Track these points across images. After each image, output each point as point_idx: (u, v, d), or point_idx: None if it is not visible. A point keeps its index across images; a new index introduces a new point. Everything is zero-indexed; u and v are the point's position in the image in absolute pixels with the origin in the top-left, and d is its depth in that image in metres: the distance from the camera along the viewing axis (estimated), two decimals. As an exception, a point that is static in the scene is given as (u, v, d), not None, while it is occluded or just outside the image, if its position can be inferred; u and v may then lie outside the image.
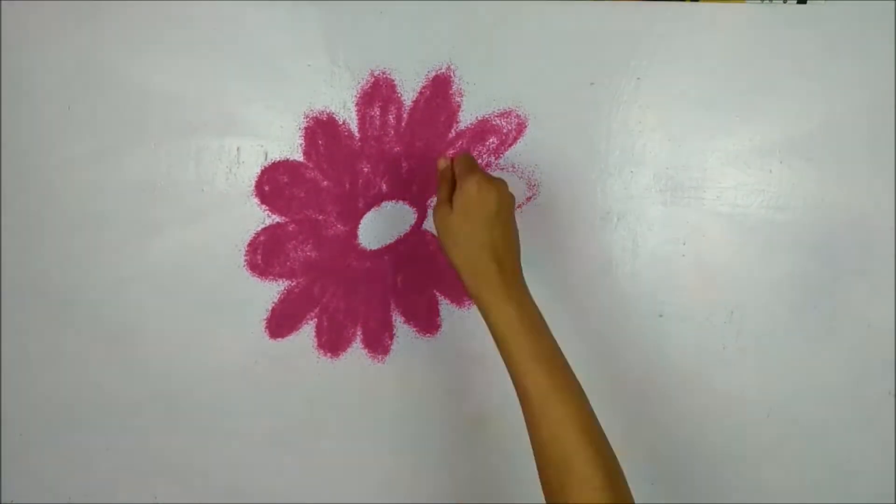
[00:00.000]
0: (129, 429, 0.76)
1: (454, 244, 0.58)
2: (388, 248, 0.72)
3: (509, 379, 0.74)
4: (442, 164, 0.63)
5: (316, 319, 0.73)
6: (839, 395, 0.74)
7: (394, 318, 0.74)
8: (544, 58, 0.67)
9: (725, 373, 0.73)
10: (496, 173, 0.70)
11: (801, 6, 0.65)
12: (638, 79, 0.67)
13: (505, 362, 0.56)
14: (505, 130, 0.69)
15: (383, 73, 0.68)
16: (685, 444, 0.76)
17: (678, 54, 0.67)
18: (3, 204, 0.71)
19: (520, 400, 0.55)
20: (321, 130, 0.69)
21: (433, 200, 0.71)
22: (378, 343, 0.74)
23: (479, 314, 0.73)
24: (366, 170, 0.70)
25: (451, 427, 0.76)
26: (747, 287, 0.71)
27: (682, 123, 0.68)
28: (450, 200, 0.59)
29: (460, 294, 0.73)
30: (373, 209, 0.71)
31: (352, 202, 0.71)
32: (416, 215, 0.72)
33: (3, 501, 0.79)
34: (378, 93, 0.68)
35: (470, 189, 0.57)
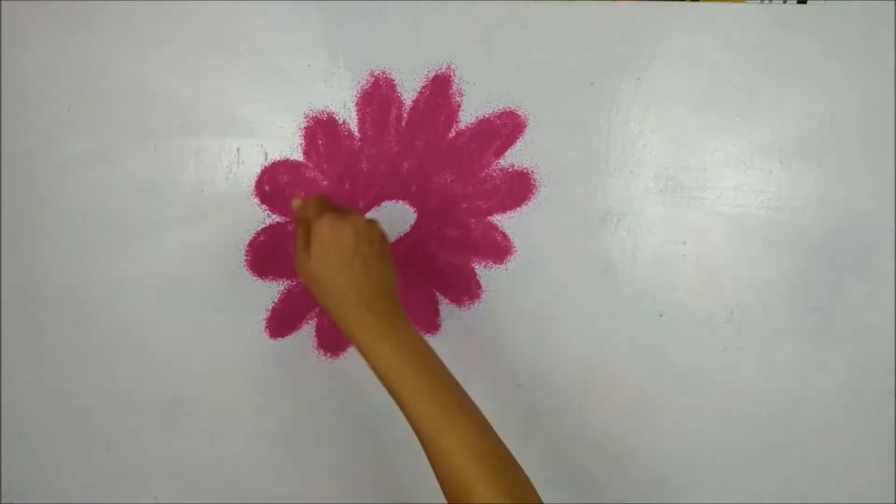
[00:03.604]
0: (129, 429, 0.76)
1: (319, 290, 0.55)
2: (388, 248, 0.72)
3: (509, 379, 0.75)
4: (296, 204, 0.59)
5: (316, 319, 0.73)
6: (839, 395, 0.74)
7: (394, 318, 0.74)
8: (544, 58, 0.67)
9: (725, 373, 0.74)
10: (496, 174, 0.70)
11: (801, 6, 0.65)
12: (638, 79, 0.67)
13: (395, 401, 0.53)
14: (505, 130, 0.69)
15: (383, 72, 0.68)
16: (685, 443, 0.76)
17: (678, 54, 0.67)
18: (3, 204, 0.71)
19: (416, 436, 0.52)
20: (321, 130, 0.69)
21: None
22: (378, 343, 0.74)
23: (479, 314, 0.73)
24: (366, 170, 0.70)
25: (451, 427, 0.76)
26: (747, 287, 0.71)
27: (682, 123, 0.68)
28: (307, 246, 0.55)
29: (460, 294, 0.73)
30: (373, 209, 0.71)
31: (352, 202, 0.71)
32: (416, 215, 0.72)
33: (3, 501, 0.79)
34: (378, 93, 0.68)
35: (322, 230, 0.54)
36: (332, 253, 0.54)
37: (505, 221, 0.71)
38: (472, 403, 0.53)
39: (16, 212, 0.71)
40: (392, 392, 0.53)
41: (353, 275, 0.54)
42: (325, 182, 0.70)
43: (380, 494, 0.79)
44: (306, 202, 0.58)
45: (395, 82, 0.68)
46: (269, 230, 0.71)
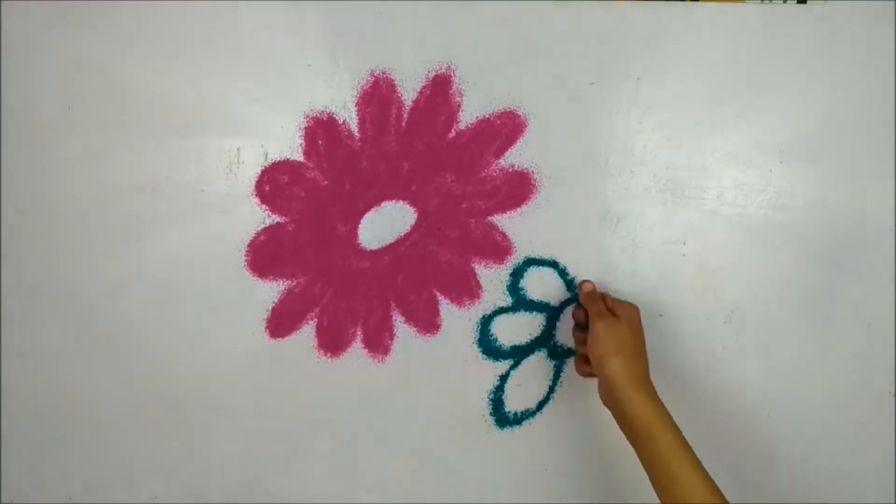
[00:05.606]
0: (129, 429, 0.76)
1: (618, 351, 0.64)
2: (388, 248, 0.72)
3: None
4: (588, 286, 0.71)
5: (316, 319, 0.73)
6: (839, 395, 0.74)
7: (394, 318, 0.74)
8: (544, 58, 0.67)
9: (725, 373, 0.74)
10: (496, 174, 0.70)
11: (801, 6, 0.65)
12: (638, 79, 0.67)
13: (645, 449, 0.61)
14: (505, 130, 0.69)
15: (383, 73, 0.68)
16: (685, 444, 0.76)
17: (678, 54, 0.67)
18: (3, 204, 0.71)
19: (662, 480, 0.60)
20: (321, 130, 0.69)
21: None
22: (378, 343, 0.74)
23: (479, 314, 0.73)
24: (366, 170, 0.70)
25: (451, 427, 0.76)
26: (747, 287, 0.71)
27: (682, 123, 0.68)
28: (609, 314, 0.67)
29: (460, 294, 0.73)
30: (373, 209, 0.71)
31: (352, 202, 0.71)
32: (416, 215, 0.72)
33: (3, 501, 0.79)
34: (378, 93, 0.68)
35: (633, 310, 0.67)
36: (637, 326, 0.67)
37: (505, 221, 0.71)
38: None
39: (16, 212, 0.71)
40: (652, 440, 0.61)
41: (643, 349, 0.67)
42: (325, 182, 0.70)
43: (379, 494, 0.79)
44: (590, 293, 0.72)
45: (395, 82, 0.68)
46: (269, 230, 0.71)
